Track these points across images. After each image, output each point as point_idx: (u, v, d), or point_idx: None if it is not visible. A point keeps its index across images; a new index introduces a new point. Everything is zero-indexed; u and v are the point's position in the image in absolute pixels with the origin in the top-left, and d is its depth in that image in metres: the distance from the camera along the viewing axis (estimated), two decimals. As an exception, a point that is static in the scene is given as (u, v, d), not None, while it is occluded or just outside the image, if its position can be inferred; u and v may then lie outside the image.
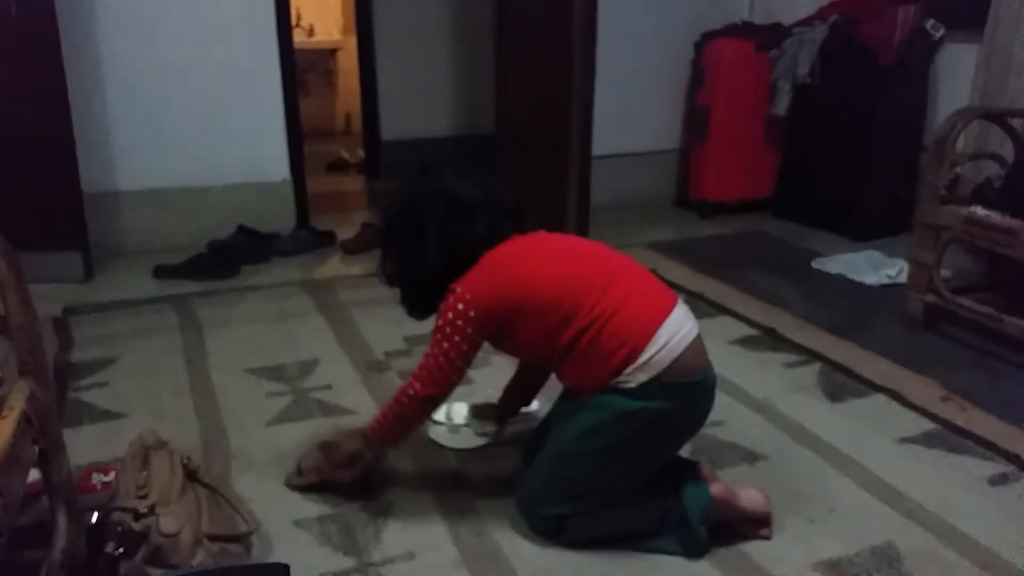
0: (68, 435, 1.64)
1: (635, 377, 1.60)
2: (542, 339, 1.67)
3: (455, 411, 2.18)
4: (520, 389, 2.13)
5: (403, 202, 1.77)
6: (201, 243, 3.35)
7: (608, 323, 1.61)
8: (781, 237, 3.85)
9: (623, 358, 1.60)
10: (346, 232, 3.69)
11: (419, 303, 1.82)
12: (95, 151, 3.30)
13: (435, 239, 1.71)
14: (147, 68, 3.34)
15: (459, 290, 1.65)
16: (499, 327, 1.69)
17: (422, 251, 1.72)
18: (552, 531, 1.73)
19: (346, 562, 1.67)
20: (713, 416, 2.19)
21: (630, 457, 1.66)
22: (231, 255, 3.30)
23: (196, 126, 3.44)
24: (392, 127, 4.97)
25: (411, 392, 1.72)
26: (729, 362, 2.55)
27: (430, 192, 1.74)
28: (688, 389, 1.64)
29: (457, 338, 1.66)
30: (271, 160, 3.60)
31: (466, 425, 2.15)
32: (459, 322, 1.65)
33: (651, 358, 1.59)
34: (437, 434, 2.12)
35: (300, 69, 4.24)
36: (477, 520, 1.80)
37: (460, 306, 1.65)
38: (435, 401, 1.75)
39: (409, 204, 1.76)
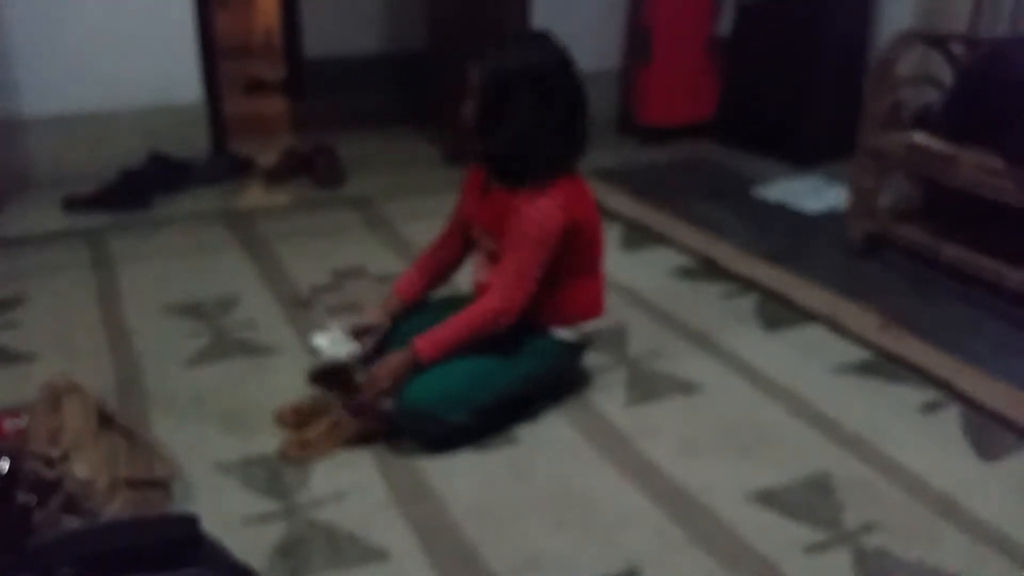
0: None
1: (580, 330, 1.91)
2: (563, 262, 1.81)
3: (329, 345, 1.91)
4: (424, 288, 2.00)
5: (522, 65, 1.77)
6: (112, 172, 3.15)
7: (595, 273, 1.92)
8: (723, 164, 3.80)
9: (585, 309, 1.91)
10: (267, 158, 3.51)
11: (515, 167, 1.81)
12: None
13: (561, 104, 1.79)
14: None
15: (554, 204, 1.75)
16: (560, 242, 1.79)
17: (547, 116, 1.77)
18: (446, 440, 1.76)
19: (271, 505, 1.63)
20: (649, 347, 2.20)
21: (527, 388, 1.88)
22: (144, 184, 3.12)
23: (102, 45, 3.19)
24: (315, 44, 4.69)
25: (500, 308, 1.75)
26: (667, 293, 2.52)
27: (549, 59, 1.80)
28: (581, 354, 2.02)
29: (546, 251, 1.75)
30: (182, 80, 3.36)
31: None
32: (553, 238, 1.75)
33: (593, 325, 1.95)
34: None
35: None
36: (409, 461, 1.76)
37: (557, 218, 1.74)
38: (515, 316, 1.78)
39: (530, 68, 1.77)
